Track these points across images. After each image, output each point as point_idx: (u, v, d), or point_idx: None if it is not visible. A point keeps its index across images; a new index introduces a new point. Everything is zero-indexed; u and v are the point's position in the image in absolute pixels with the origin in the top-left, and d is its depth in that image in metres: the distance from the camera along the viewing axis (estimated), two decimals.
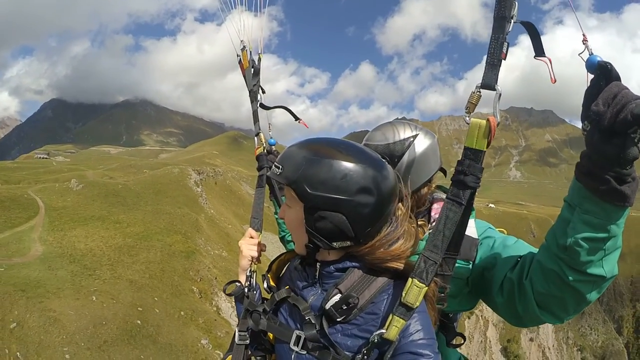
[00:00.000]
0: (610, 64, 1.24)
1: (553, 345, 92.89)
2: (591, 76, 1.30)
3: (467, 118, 1.50)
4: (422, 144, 2.24)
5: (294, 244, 1.78)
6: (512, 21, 1.45)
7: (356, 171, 1.55)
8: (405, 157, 2.21)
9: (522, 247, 1.94)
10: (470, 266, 1.97)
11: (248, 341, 1.87)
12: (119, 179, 69.91)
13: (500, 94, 1.45)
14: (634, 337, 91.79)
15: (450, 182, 1.56)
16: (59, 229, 37.74)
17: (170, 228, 45.47)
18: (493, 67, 1.46)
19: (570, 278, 1.52)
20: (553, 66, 1.46)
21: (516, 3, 1.43)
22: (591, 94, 1.28)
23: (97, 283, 29.25)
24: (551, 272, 1.58)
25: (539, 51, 1.49)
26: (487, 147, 1.46)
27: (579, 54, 1.33)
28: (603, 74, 1.26)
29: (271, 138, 2.78)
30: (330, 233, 1.59)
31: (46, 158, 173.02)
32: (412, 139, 2.24)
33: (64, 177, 70.95)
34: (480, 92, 1.49)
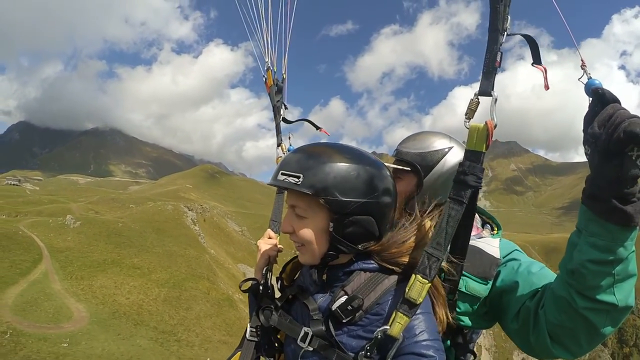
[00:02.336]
0: (603, 89, 1.32)
1: None
2: (590, 100, 1.37)
3: (467, 123, 1.58)
4: (456, 156, 2.18)
5: (303, 255, 1.73)
6: (506, 33, 1.55)
7: (377, 174, 1.62)
8: (438, 168, 2.18)
9: (546, 276, 1.87)
10: (489, 285, 1.94)
11: (258, 338, 1.88)
12: (107, 215, 67.99)
13: (496, 99, 1.53)
14: (618, 347, 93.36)
15: (453, 182, 1.59)
16: (78, 277, 35.04)
17: (192, 272, 44.60)
18: (488, 75, 1.56)
19: (579, 304, 1.50)
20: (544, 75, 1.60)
21: (509, 17, 1.55)
22: (588, 119, 1.33)
23: (192, 351, 28.45)
24: (562, 299, 1.57)
25: (536, 60, 1.60)
26: (486, 149, 1.54)
27: (578, 79, 1.41)
28: (598, 99, 1.32)
29: (290, 145, 2.81)
30: (358, 236, 1.62)
31: (17, 185, 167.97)
32: (446, 150, 2.20)
33: (48, 210, 68.09)
34: (478, 99, 1.58)
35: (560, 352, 1.68)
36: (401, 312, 1.46)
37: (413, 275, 1.50)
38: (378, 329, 1.48)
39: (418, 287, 1.48)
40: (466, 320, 1.95)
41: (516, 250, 2.11)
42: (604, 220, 1.35)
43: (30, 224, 45.99)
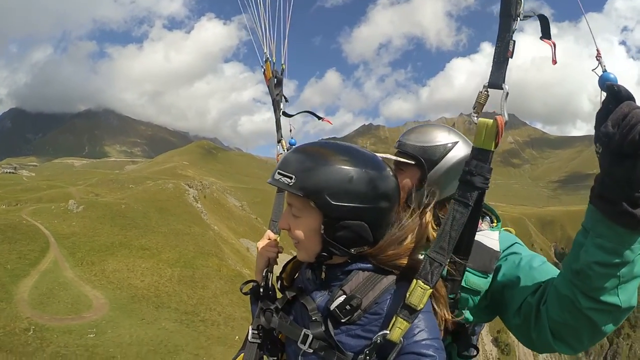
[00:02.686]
0: (619, 85, 1.26)
1: None
2: (604, 94, 1.32)
3: (475, 117, 1.51)
4: (461, 151, 2.14)
5: (299, 252, 1.73)
6: (519, 19, 1.46)
7: (375, 178, 1.57)
8: (443, 163, 2.13)
9: (548, 271, 1.86)
10: (489, 279, 1.94)
11: (260, 340, 1.88)
12: (108, 197, 67.65)
13: (507, 93, 1.45)
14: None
15: (458, 184, 1.54)
16: (89, 263, 34.84)
17: (200, 250, 44.51)
18: (500, 65, 1.47)
19: (583, 304, 1.49)
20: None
21: (522, 1, 1.45)
22: (601, 116, 1.28)
23: (218, 330, 28.70)
24: (565, 298, 1.56)
25: (545, 34, 1.51)
26: (495, 147, 1.47)
27: (592, 70, 1.34)
28: (612, 96, 1.26)
29: (292, 138, 2.75)
30: (350, 241, 1.59)
31: (13, 173, 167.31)
32: (450, 145, 2.16)
33: (48, 196, 67.69)
34: (487, 91, 1.50)
35: (562, 348, 1.68)
36: (401, 318, 1.44)
37: (414, 281, 1.47)
38: (378, 334, 1.46)
39: (419, 293, 1.45)
40: (467, 315, 1.93)
41: (517, 243, 2.09)
42: (613, 222, 1.32)
43: (32, 211, 45.63)
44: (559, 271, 1.77)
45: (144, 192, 67.33)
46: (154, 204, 58.33)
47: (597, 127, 1.27)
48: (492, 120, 1.43)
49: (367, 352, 1.46)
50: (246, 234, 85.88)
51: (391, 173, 1.66)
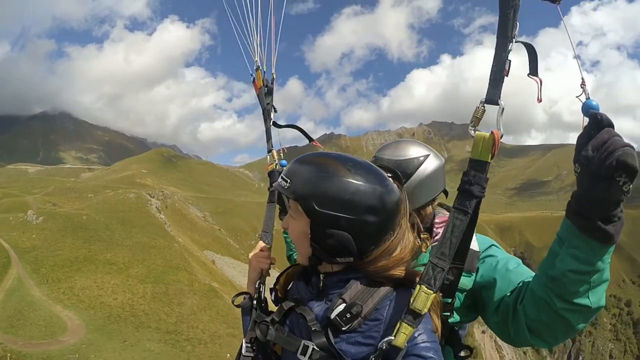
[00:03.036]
0: (601, 114, 1.35)
1: None
2: (587, 120, 1.39)
3: (472, 131, 1.57)
4: (432, 164, 2.31)
5: (297, 254, 1.79)
6: (514, 40, 1.53)
7: (364, 190, 1.58)
8: (416, 175, 2.27)
9: (522, 273, 2.01)
10: (472, 278, 2.09)
11: (254, 353, 1.90)
12: (66, 207, 65.95)
13: (503, 109, 1.53)
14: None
15: (457, 191, 1.60)
16: (55, 279, 33.67)
17: (168, 264, 43.96)
18: (496, 83, 1.55)
19: (558, 306, 1.62)
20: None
21: (517, 24, 1.52)
22: (582, 141, 1.37)
23: (207, 348, 28.19)
24: (541, 300, 1.68)
25: (533, 71, 1.60)
26: (491, 158, 1.54)
27: (576, 97, 1.42)
28: (594, 123, 1.35)
29: (283, 159, 2.76)
30: (335, 249, 1.62)
31: None
32: (422, 158, 2.31)
33: (4, 206, 64.78)
34: (484, 107, 1.56)
35: (537, 342, 1.83)
36: (406, 323, 1.47)
37: (418, 286, 1.51)
38: (383, 340, 1.48)
39: (423, 298, 1.49)
40: (455, 316, 2.06)
41: (493, 245, 2.25)
42: (587, 236, 1.44)
43: None
44: (533, 273, 1.94)
45: (104, 203, 65.66)
46: (116, 215, 57.12)
47: (577, 150, 1.38)
48: (488, 134, 1.52)
49: (373, 359, 1.48)
50: (210, 246, 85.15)
51: (392, 187, 1.68)
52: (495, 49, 1.55)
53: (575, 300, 1.58)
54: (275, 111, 2.81)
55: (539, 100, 1.61)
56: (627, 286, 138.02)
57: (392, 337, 1.46)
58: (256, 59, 2.80)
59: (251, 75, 2.85)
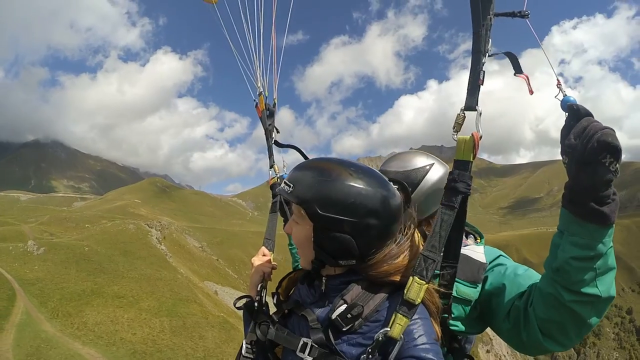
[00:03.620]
0: (577, 105, 1.46)
1: (508, 352, 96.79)
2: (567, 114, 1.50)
3: (455, 136, 1.69)
4: (437, 172, 2.35)
5: (300, 258, 1.82)
6: (488, 54, 1.66)
7: (366, 194, 1.60)
8: (422, 184, 2.31)
9: (532, 276, 2.01)
10: (478, 289, 2.08)
11: (254, 355, 1.91)
12: (64, 237, 64.75)
13: (480, 113, 1.66)
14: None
15: (444, 190, 1.72)
16: (65, 314, 31.98)
17: (177, 297, 42.83)
18: (473, 92, 1.68)
19: (566, 298, 1.62)
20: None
21: (490, 40, 1.66)
22: (565, 132, 1.46)
23: None
24: (549, 296, 1.69)
25: (517, 70, 1.72)
26: (473, 158, 1.67)
27: (555, 96, 1.53)
28: (573, 114, 1.46)
29: (285, 172, 2.91)
30: (337, 252, 1.65)
31: None
32: (428, 167, 2.35)
33: (0, 234, 62.10)
34: (464, 113, 1.69)
35: (551, 345, 1.77)
36: (401, 314, 1.49)
37: (411, 277, 1.55)
38: (379, 332, 1.50)
39: (416, 288, 1.53)
40: (459, 325, 2.05)
41: (501, 255, 2.26)
42: (583, 221, 1.48)
43: None
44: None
45: (104, 233, 64.01)
46: (117, 247, 55.79)
47: (562, 142, 1.45)
48: (469, 136, 1.64)
49: (370, 350, 1.48)
50: (209, 277, 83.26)
51: (394, 192, 1.71)
52: (471, 62, 1.67)
53: (584, 290, 1.57)
54: (278, 132, 2.99)
55: (531, 92, 1.72)
56: (627, 294, 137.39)
57: (388, 329, 1.49)
58: (258, 84, 3.01)
59: (254, 100, 3.04)
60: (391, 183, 1.74)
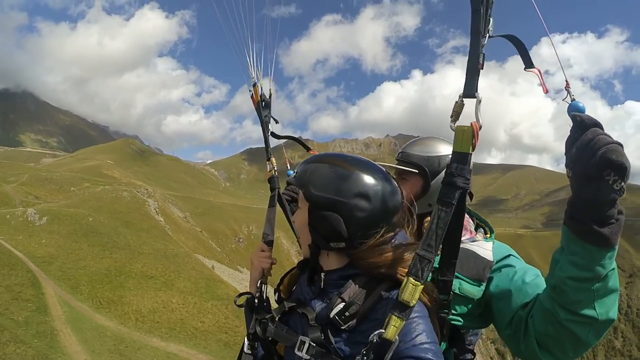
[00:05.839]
0: (583, 115, 1.37)
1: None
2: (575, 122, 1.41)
3: (452, 125, 1.60)
4: None
5: (301, 247, 1.86)
6: (488, 35, 1.55)
7: (356, 177, 1.65)
8: (443, 173, 2.13)
9: (539, 285, 1.95)
10: (482, 288, 2.05)
11: (256, 351, 1.96)
12: (48, 199, 62.76)
13: (480, 100, 1.54)
14: None
15: (442, 185, 1.62)
16: (109, 300, 28.91)
17: (203, 276, 40.93)
18: (472, 77, 1.57)
19: (562, 317, 1.60)
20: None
21: (491, 19, 1.55)
22: (569, 144, 1.39)
23: None
24: (547, 311, 1.67)
25: (528, 63, 1.63)
26: (472, 149, 1.56)
27: (563, 99, 1.47)
28: (578, 125, 1.37)
29: (290, 169, 2.91)
30: (328, 232, 1.67)
31: None
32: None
33: None
34: (463, 101, 1.59)
35: (548, 358, 1.73)
36: (395, 315, 1.46)
37: (405, 278, 1.51)
38: (374, 334, 1.47)
39: (411, 289, 1.49)
40: (461, 321, 2.04)
41: (511, 255, 2.16)
42: (583, 240, 1.42)
43: None
44: None
45: (98, 200, 60.06)
46: (117, 217, 52.56)
47: (566, 154, 1.38)
48: (468, 126, 1.52)
49: (364, 352, 1.46)
50: (196, 249, 79.85)
51: (390, 184, 1.70)
52: (470, 44, 1.54)
53: (581, 311, 1.54)
54: (277, 122, 2.92)
55: (545, 91, 1.62)
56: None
57: (383, 330, 1.46)
58: (253, 75, 2.90)
59: (249, 90, 2.94)
60: (394, 182, 1.74)
